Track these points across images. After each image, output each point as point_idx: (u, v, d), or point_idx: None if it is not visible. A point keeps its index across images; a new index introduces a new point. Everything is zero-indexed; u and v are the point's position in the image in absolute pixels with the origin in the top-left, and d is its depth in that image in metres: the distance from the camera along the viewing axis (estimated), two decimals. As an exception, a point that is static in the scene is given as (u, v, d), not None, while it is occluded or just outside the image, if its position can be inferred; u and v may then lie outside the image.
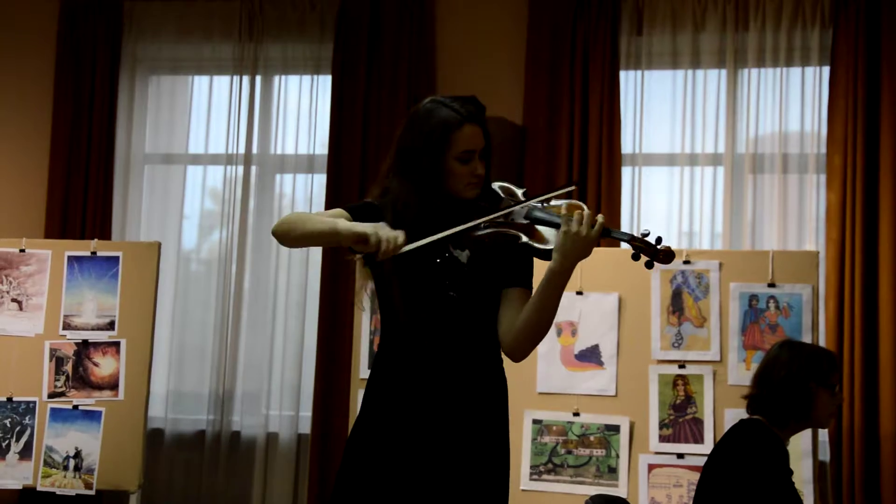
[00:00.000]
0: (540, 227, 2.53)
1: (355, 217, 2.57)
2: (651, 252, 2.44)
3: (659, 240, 2.46)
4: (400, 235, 2.41)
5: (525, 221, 2.54)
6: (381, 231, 2.41)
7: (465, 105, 2.61)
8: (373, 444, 2.61)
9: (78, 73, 5.43)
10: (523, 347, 2.62)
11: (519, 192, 2.65)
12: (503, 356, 2.69)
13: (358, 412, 2.70)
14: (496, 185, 2.67)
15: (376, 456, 2.59)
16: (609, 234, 2.47)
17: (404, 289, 2.57)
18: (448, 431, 2.57)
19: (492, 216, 2.54)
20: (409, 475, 2.56)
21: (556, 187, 2.63)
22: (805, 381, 3.24)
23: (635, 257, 2.48)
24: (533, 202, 2.56)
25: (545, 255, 2.51)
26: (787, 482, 3.18)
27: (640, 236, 2.46)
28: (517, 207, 2.56)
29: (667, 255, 2.45)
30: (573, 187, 2.63)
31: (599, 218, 2.46)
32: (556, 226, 2.49)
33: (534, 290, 2.59)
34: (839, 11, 4.79)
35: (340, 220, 2.50)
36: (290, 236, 2.58)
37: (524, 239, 2.52)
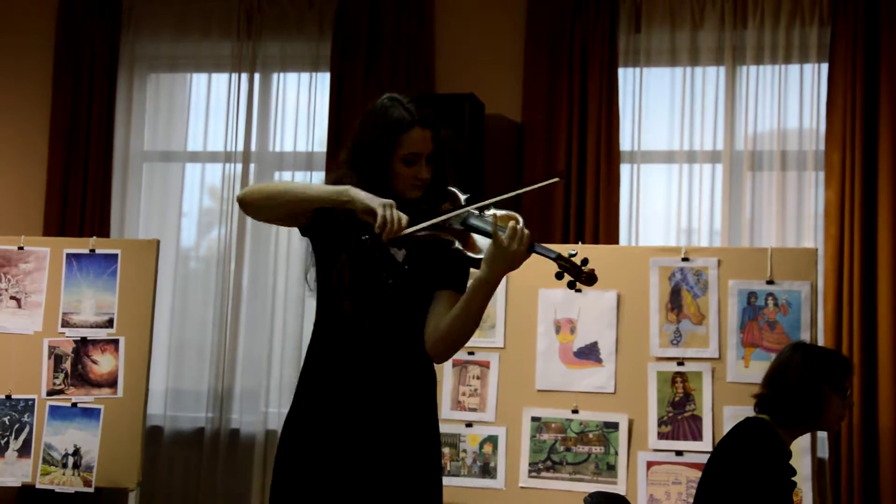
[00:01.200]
0: (474, 235, 2.57)
1: (315, 213, 2.63)
2: (575, 272, 2.46)
3: (585, 261, 2.47)
4: (404, 218, 2.49)
5: (460, 227, 2.59)
6: (388, 210, 2.48)
7: (419, 109, 2.66)
8: (307, 434, 2.64)
9: (76, 70, 5.43)
10: (444, 351, 2.65)
11: (462, 197, 2.68)
12: None
13: (290, 406, 2.73)
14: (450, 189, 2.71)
15: (310, 446, 2.62)
16: (535, 250, 2.49)
17: (352, 277, 2.60)
18: (379, 422, 2.60)
19: (438, 219, 2.58)
20: (341, 464, 2.59)
21: (541, 179, 2.65)
22: (818, 385, 3.24)
23: (559, 276, 2.49)
24: (471, 209, 2.60)
25: (475, 263, 2.55)
26: (785, 483, 3.19)
27: (566, 256, 2.46)
28: (454, 214, 2.59)
29: (589, 278, 2.46)
30: (557, 179, 2.68)
31: (527, 233, 2.48)
32: (488, 235, 2.53)
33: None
34: (838, 8, 4.79)
35: (349, 188, 2.54)
36: (277, 201, 2.60)
37: (457, 245, 2.56)
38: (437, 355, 2.66)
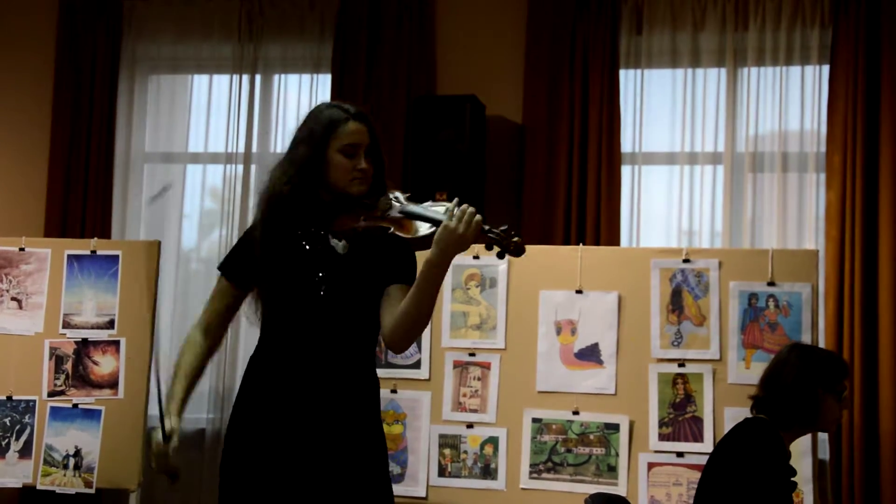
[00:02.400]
0: (413, 222, 2.62)
1: (231, 275, 2.81)
2: (502, 244, 2.54)
3: (511, 233, 2.54)
4: (163, 446, 2.70)
5: (399, 215, 2.65)
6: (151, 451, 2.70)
7: (355, 107, 2.77)
8: (246, 451, 2.67)
9: (78, 72, 5.44)
10: (401, 336, 2.65)
11: (402, 196, 2.73)
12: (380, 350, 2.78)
13: (231, 413, 2.79)
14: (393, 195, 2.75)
15: (248, 466, 2.65)
16: (485, 234, 2.54)
17: (274, 284, 2.68)
18: (319, 432, 2.62)
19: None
20: (282, 473, 2.61)
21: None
22: (813, 387, 3.23)
23: (488, 247, 2.56)
24: (404, 196, 2.69)
25: (413, 243, 2.62)
26: (785, 483, 3.18)
27: (496, 229, 2.54)
28: (401, 198, 2.68)
29: (517, 248, 2.54)
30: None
31: (477, 216, 2.51)
32: (425, 219, 2.59)
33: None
34: (839, 10, 4.79)
35: (169, 406, 2.78)
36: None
37: (392, 229, 2.62)
38: (394, 343, 2.67)
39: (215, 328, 2.87)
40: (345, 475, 2.62)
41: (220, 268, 2.87)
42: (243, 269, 2.79)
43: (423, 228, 2.60)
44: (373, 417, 2.73)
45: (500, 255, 2.56)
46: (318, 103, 2.86)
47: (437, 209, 2.62)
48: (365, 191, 2.71)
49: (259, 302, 2.78)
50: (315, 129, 2.72)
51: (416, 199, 2.72)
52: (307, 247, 2.68)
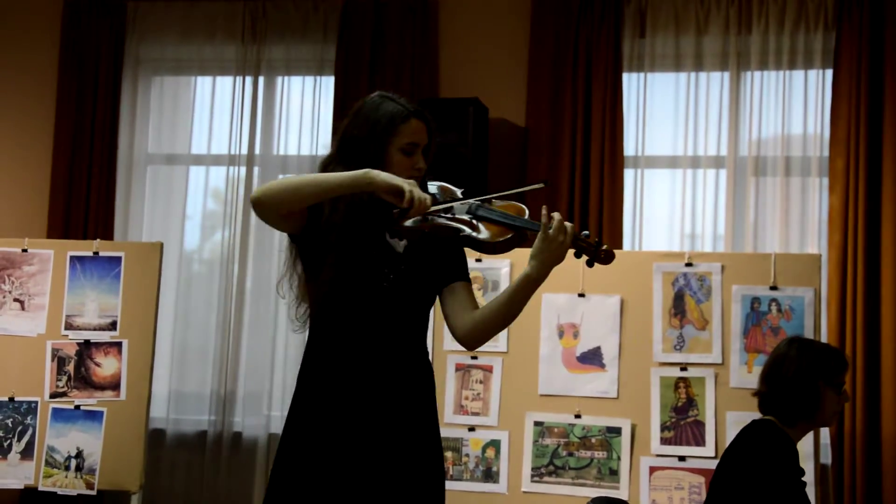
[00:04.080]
0: (481, 224, 2.58)
1: (309, 213, 2.61)
2: (591, 252, 2.52)
3: (599, 242, 2.54)
4: (428, 198, 2.48)
5: (467, 217, 2.59)
6: (415, 189, 2.46)
7: (412, 102, 2.68)
8: (304, 444, 2.62)
9: (81, 73, 5.44)
10: (480, 338, 2.67)
11: (458, 191, 2.68)
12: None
13: (289, 407, 2.72)
14: (433, 186, 2.70)
15: (308, 455, 2.60)
16: (576, 240, 2.52)
17: (344, 278, 2.59)
18: (379, 427, 2.59)
19: (457, 202, 2.60)
20: (341, 473, 2.57)
21: (526, 184, 2.68)
22: (813, 380, 3.23)
23: (577, 255, 2.55)
24: (475, 200, 2.62)
25: (486, 248, 2.56)
26: (798, 484, 3.18)
27: (581, 236, 2.52)
28: (464, 201, 2.61)
29: (608, 255, 2.52)
30: (542, 184, 2.69)
31: (569, 223, 2.50)
32: (497, 223, 2.55)
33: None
34: (842, 14, 4.79)
35: (370, 170, 2.49)
36: (300, 193, 2.51)
37: (467, 231, 2.56)
38: (471, 342, 2.68)
39: None
40: (402, 473, 2.59)
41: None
42: (315, 225, 2.63)
43: (495, 234, 2.54)
44: (430, 407, 2.71)
45: (590, 264, 2.54)
46: (374, 94, 2.70)
47: (506, 214, 2.58)
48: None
49: (311, 299, 2.68)
50: (376, 125, 2.61)
51: (473, 195, 2.65)
52: (371, 247, 2.62)
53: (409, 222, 2.53)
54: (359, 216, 2.60)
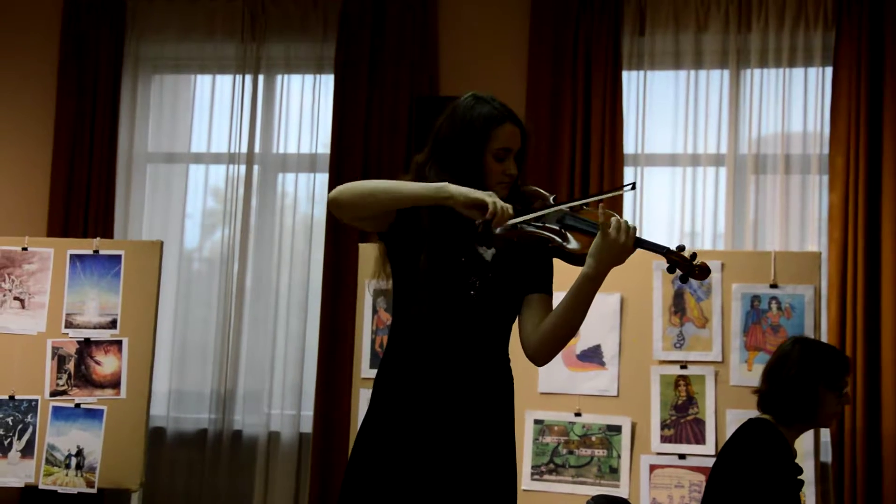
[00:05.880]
0: (570, 234, 2.54)
1: (398, 214, 2.59)
2: (687, 267, 2.46)
3: (694, 255, 2.48)
4: (510, 207, 2.46)
5: (556, 227, 2.55)
6: (496, 199, 2.45)
7: (505, 105, 2.66)
8: (382, 443, 2.60)
9: (81, 71, 5.44)
10: (548, 351, 2.63)
11: (550, 197, 2.65)
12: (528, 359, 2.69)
13: (367, 408, 2.68)
14: (524, 191, 2.67)
15: (385, 455, 2.58)
16: (641, 244, 2.48)
17: (431, 283, 2.57)
18: (457, 431, 2.57)
19: (542, 212, 2.56)
20: (418, 474, 2.55)
21: (614, 187, 2.63)
22: (814, 383, 3.23)
23: (670, 270, 2.50)
24: (565, 207, 2.58)
25: (575, 259, 2.52)
26: (790, 483, 3.18)
27: (675, 250, 2.48)
28: (552, 210, 2.56)
29: (703, 271, 2.47)
30: (630, 186, 2.62)
31: (632, 226, 2.47)
32: (586, 232, 2.51)
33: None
34: (842, 12, 4.79)
35: (447, 184, 2.49)
36: (376, 197, 2.51)
37: (557, 241, 2.52)
38: (540, 356, 2.64)
39: None
40: (477, 479, 2.57)
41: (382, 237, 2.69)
42: (406, 228, 2.63)
43: (582, 242, 2.50)
44: (509, 416, 2.69)
45: (684, 279, 2.50)
46: (467, 95, 2.67)
47: (594, 219, 2.53)
48: (506, 195, 2.61)
49: (396, 301, 2.67)
50: (471, 128, 2.59)
51: (564, 202, 2.62)
52: (462, 257, 2.59)
53: (498, 230, 2.49)
54: (449, 223, 2.56)
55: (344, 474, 2.67)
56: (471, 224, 2.52)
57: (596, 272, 2.48)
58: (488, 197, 2.45)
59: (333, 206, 2.55)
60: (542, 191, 2.68)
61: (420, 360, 2.59)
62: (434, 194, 2.48)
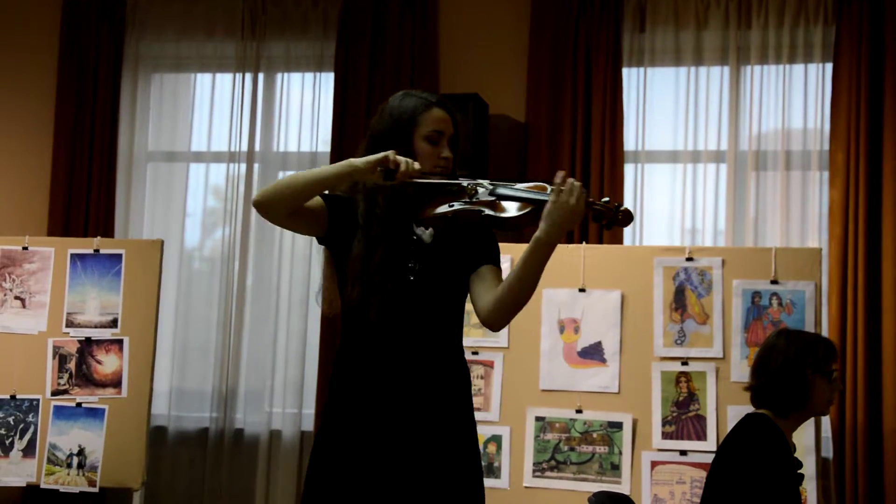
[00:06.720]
0: (504, 203, 2.57)
1: (330, 203, 2.64)
2: (609, 215, 2.51)
3: (619, 205, 2.53)
4: (415, 162, 2.51)
5: (490, 199, 2.59)
6: (394, 154, 2.50)
7: (435, 94, 2.71)
8: (339, 439, 2.61)
9: (81, 70, 5.44)
10: (502, 315, 2.63)
11: (485, 182, 2.68)
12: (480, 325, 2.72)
13: (324, 405, 2.70)
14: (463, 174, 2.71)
15: (343, 450, 2.59)
16: (591, 206, 2.51)
17: (365, 271, 2.59)
18: (414, 422, 2.57)
19: (458, 181, 2.62)
20: (376, 467, 2.56)
21: (546, 179, 2.66)
22: (801, 369, 3.23)
23: (595, 219, 2.54)
24: (479, 182, 2.63)
25: (510, 224, 2.55)
26: (789, 477, 3.18)
27: (600, 201, 2.51)
28: (486, 182, 2.62)
29: (626, 216, 2.51)
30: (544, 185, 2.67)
31: (580, 186, 2.47)
32: (520, 199, 2.55)
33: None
34: (842, 8, 4.79)
35: (352, 159, 2.55)
36: (292, 189, 2.55)
37: (486, 211, 2.56)
38: (494, 322, 2.64)
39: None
40: (440, 464, 2.57)
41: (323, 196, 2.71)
42: (341, 213, 2.67)
43: (517, 208, 2.54)
44: (466, 405, 2.69)
45: (608, 226, 2.54)
46: (400, 92, 2.75)
47: (528, 189, 2.58)
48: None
49: (343, 299, 2.69)
50: (399, 118, 2.65)
51: (501, 182, 2.66)
52: (398, 242, 2.61)
53: (436, 211, 2.56)
54: (383, 209, 2.61)
55: (305, 478, 2.69)
56: (406, 209, 2.59)
57: (548, 235, 2.48)
58: (386, 155, 2.50)
59: (258, 208, 2.58)
60: (482, 181, 2.69)
61: (363, 354, 2.62)
62: (341, 170, 2.54)
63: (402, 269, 2.60)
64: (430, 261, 2.64)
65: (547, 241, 2.48)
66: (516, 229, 2.58)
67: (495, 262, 2.71)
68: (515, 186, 2.61)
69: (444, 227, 2.64)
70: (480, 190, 2.60)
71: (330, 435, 2.63)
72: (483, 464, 4.24)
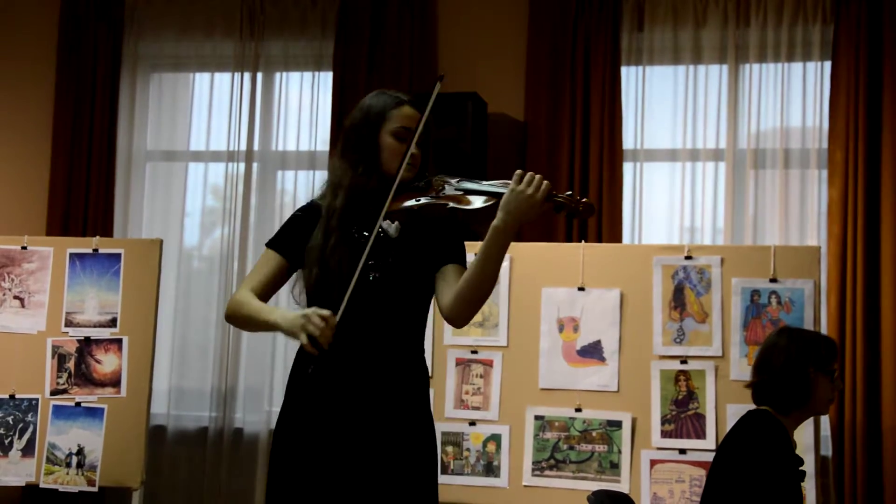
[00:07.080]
0: (469, 197, 2.61)
1: (281, 248, 2.74)
2: (570, 207, 2.52)
3: (582, 198, 2.54)
4: (326, 312, 2.48)
5: (456, 193, 2.63)
6: (308, 324, 2.48)
7: (408, 93, 2.75)
8: (295, 438, 2.63)
9: (79, 70, 5.44)
10: (463, 310, 2.63)
11: (453, 180, 2.70)
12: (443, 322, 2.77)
13: (282, 403, 2.73)
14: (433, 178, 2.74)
15: (299, 449, 2.61)
16: (552, 199, 2.51)
17: (325, 270, 2.62)
18: (368, 421, 2.59)
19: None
20: (331, 470, 2.57)
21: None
22: (804, 367, 3.23)
23: (556, 210, 2.54)
24: (465, 178, 2.67)
25: (476, 216, 2.57)
26: (791, 473, 3.18)
27: (561, 194, 2.53)
28: (452, 179, 2.67)
29: (587, 208, 2.52)
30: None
31: (546, 181, 2.49)
32: (486, 193, 2.58)
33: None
34: (840, 7, 4.79)
35: (276, 311, 2.64)
36: (251, 326, 2.77)
37: (451, 204, 2.59)
38: (456, 315, 2.64)
39: (261, 295, 2.76)
40: (396, 463, 2.59)
41: (269, 244, 2.83)
42: (297, 246, 2.73)
43: (482, 201, 2.57)
44: (423, 405, 2.70)
45: (570, 218, 2.57)
46: (374, 91, 2.81)
47: (494, 184, 2.61)
48: (412, 177, 2.68)
49: (305, 289, 2.73)
50: (369, 112, 2.71)
51: (468, 179, 2.69)
52: (364, 233, 2.62)
53: (403, 205, 2.61)
54: (351, 202, 2.66)
55: (267, 479, 2.71)
56: (369, 203, 2.62)
57: (504, 224, 2.50)
58: (298, 327, 2.51)
59: (231, 323, 2.84)
60: (446, 177, 2.72)
61: (327, 353, 2.60)
62: (274, 321, 2.62)
63: (363, 268, 2.57)
64: (395, 258, 2.65)
65: (503, 228, 2.50)
66: (481, 221, 2.59)
67: (461, 261, 2.71)
68: (482, 182, 2.64)
69: (411, 221, 2.66)
70: (447, 186, 2.64)
71: (286, 434, 2.66)
72: (482, 463, 4.28)
